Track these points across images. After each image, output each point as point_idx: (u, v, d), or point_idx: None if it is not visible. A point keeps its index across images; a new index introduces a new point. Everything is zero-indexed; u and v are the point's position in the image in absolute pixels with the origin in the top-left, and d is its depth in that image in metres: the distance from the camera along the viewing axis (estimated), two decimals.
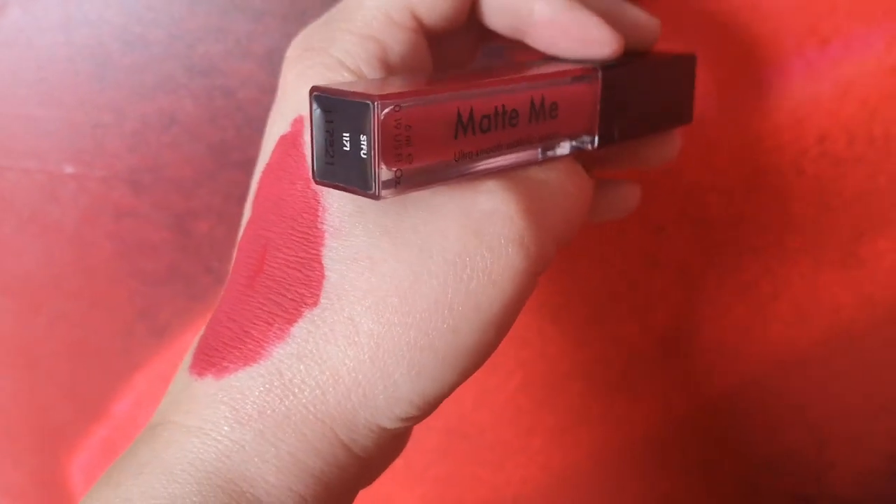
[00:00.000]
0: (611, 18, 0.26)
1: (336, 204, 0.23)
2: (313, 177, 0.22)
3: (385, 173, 0.20)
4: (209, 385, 0.23)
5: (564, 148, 0.25)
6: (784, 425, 0.39)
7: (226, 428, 0.22)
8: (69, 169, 0.37)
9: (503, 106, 0.23)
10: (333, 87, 0.21)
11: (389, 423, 0.23)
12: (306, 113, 0.23)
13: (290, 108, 0.24)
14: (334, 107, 0.20)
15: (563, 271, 0.37)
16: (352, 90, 0.20)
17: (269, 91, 0.35)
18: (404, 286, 0.22)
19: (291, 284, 0.23)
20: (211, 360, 0.23)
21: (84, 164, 0.37)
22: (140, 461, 0.22)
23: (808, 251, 0.36)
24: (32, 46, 0.35)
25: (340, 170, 0.21)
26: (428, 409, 0.23)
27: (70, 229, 0.39)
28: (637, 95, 0.27)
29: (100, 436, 0.43)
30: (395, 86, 0.21)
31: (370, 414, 0.22)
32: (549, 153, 0.25)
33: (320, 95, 0.21)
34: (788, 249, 0.36)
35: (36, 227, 0.39)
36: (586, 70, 0.25)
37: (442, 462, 0.42)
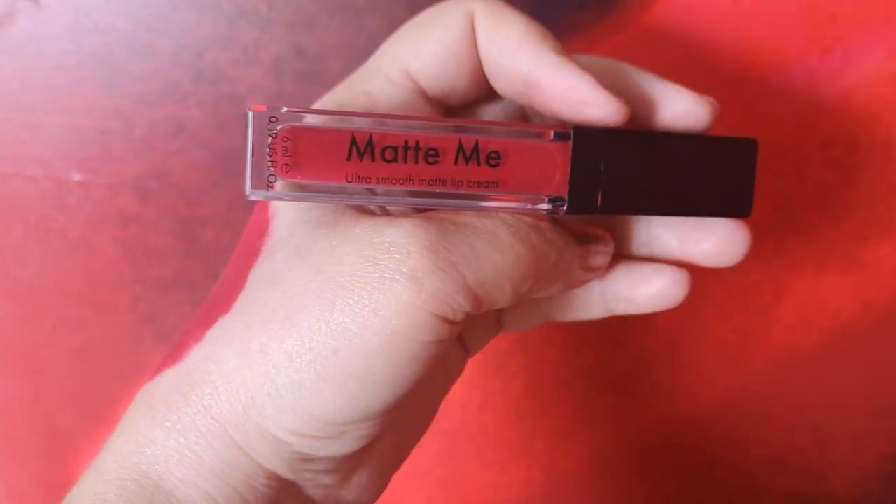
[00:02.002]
0: (642, 97, 0.26)
1: (278, 229, 0.25)
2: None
3: (255, 176, 0.22)
4: (144, 390, 0.25)
5: (542, 207, 0.25)
6: (786, 427, 0.40)
7: (141, 424, 0.24)
8: (76, 176, 0.38)
9: (416, 141, 0.23)
10: (261, 104, 0.23)
11: (283, 435, 0.23)
12: None
13: None
14: (254, 121, 0.23)
15: None
16: (255, 105, 0.23)
17: (275, 99, 0.35)
18: (294, 302, 0.23)
19: (223, 297, 0.25)
20: (158, 367, 0.25)
21: (91, 171, 0.37)
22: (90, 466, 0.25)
23: (810, 256, 0.36)
24: (41, 54, 0.36)
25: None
26: (331, 430, 0.23)
27: (76, 235, 0.39)
28: (636, 166, 0.25)
29: (106, 440, 0.43)
30: (303, 108, 0.23)
31: (259, 419, 0.23)
32: (529, 207, 0.24)
33: (251, 111, 0.23)
34: (791, 254, 0.36)
35: (42, 233, 0.39)
36: (554, 127, 0.24)
37: (447, 464, 0.42)
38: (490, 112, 0.28)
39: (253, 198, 0.23)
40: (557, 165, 0.24)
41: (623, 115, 0.24)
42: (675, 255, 0.29)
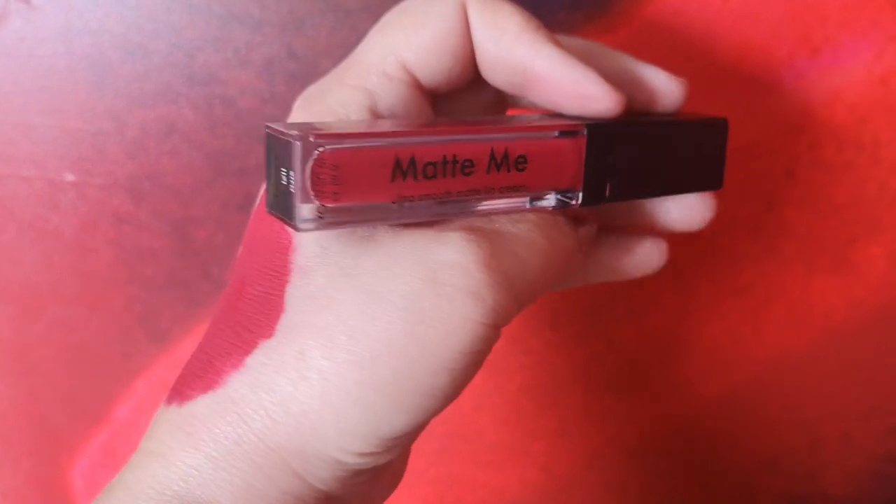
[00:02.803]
0: (622, 79, 0.26)
1: (304, 244, 0.24)
2: (268, 205, 0.22)
3: (307, 209, 0.21)
4: (173, 412, 0.24)
5: (550, 201, 0.25)
6: (778, 426, 0.40)
7: (181, 452, 0.23)
8: (69, 176, 0.38)
9: (454, 155, 0.23)
10: (278, 125, 0.22)
11: (345, 457, 0.23)
12: None
13: None
14: (274, 144, 0.22)
15: None
16: (286, 130, 0.21)
17: (267, 100, 0.36)
18: (354, 326, 0.22)
19: (254, 318, 0.24)
20: (179, 389, 0.24)
21: (84, 172, 0.38)
22: (110, 486, 0.24)
23: (800, 256, 0.36)
24: (33, 56, 0.36)
25: (281, 203, 0.22)
26: (390, 444, 0.23)
27: (70, 236, 0.39)
28: (637, 155, 0.27)
29: (100, 441, 0.43)
30: (339, 128, 0.22)
31: (322, 445, 0.23)
32: (536, 203, 0.25)
33: (267, 133, 0.22)
34: (781, 255, 0.36)
35: (36, 233, 0.39)
36: (570, 126, 0.25)
37: (442, 464, 0.42)
38: (471, 101, 0.28)
39: (304, 229, 0.21)
40: (571, 160, 0.25)
41: (622, 107, 0.25)
42: (649, 224, 0.30)
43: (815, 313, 0.37)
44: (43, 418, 0.43)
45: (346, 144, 0.21)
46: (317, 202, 0.21)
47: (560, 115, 0.26)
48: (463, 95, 0.27)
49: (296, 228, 0.21)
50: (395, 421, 0.23)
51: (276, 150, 0.22)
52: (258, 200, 0.26)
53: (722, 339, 0.38)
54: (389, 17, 0.26)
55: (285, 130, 0.21)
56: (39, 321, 0.41)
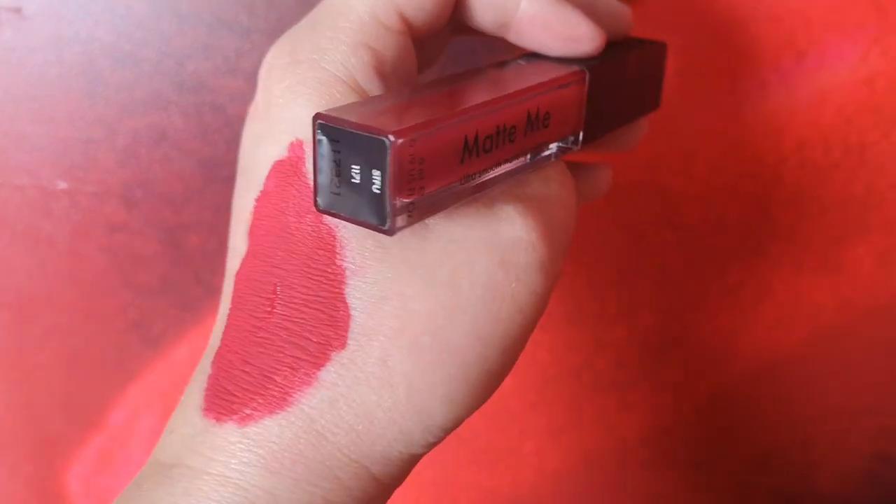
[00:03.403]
0: (588, 11, 0.25)
1: (355, 240, 0.22)
2: (316, 206, 0.21)
3: (399, 208, 0.19)
4: (230, 432, 0.22)
5: (551, 150, 0.25)
6: (769, 425, 0.40)
7: (255, 477, 0.21)
8: (62, 184, 0.38)
9: (504, 125, 0.22)
10: (340, 115, 0.20)
11: (422, 450, 0.23)
12: (306, 137, 0.22)
13: (284, 130, 0.23)
14: (343, 137, 0.19)
15: None
16: (363, 122, 0.19)
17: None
18: (437, 323, 0.22)
19: (314, 326, 0.22)
20: (230, 405, 0.22)
21: (76, 180, 0.38)
22: None
23: (788, 257, 0.36)
24: (24, 65, 0.36)
25: (347, 201, 0.20)
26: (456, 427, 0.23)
27: (63, 243, 0.39)
28: (617, 91, 0.27)
29: (95, 445, 0.43)
30: (401, 112, 0.21)
31: (405, 446, 0.22)
32: (538, 157, 0.24)
33: (327, 125, 0.20)
34: (770, 255, 0.36)
35: (29, 241, 0.39)
36: (574, 74, 0.25)
37: (435, 465, 0.42)
38: (433, 46, 0.27)
39: (396, 230, 0.20)
40: (577, 106, 0.25)
41: (604, 44, 0.25)
42: (598, 150, 0.31)
43: (803, 313, 0.37)
44: (39, 423, 0.43)
45: (429, 133, 0.20)
46: (405, 200, 0.20)
47: (535, 56, 0.26)
48: (430, 41, 0.27)
49: (389, 233, 0.20)
50: (472, 405, 0.23)
51: (348, 147, 0.19)
52: (254, 186, 0.23)
53: (712, 338, 0.38)
54: None
55: (359, 122, 0.19)
56: (34, 328, 0.41)
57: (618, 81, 0.27)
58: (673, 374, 0.39)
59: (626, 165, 0.35)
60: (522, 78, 0.24)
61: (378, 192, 0.19)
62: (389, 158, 0.19)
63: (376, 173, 0.19)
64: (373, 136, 0.19)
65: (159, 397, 0.42)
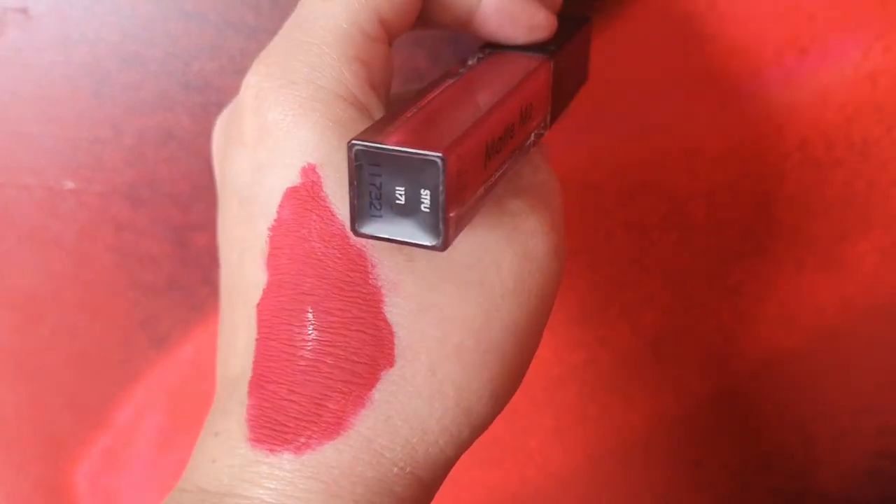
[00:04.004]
0: None
1: (386, 258, 0.22)
2: (354, 230, 0.20)
3: (451, 223, 0.20)
4: (287, 461, 0.22)
5: (531, 139, 0.25)
6: (772, 424, 0.40)
7: (317, 503, 0.21)
8: (68, 184, 0.38)
9: (509, 123, 0.23)
10: (376, 139, 0.19)
11: (467, 448, 0.23)
12: (319, 160, 0.22)
13: (292, 156, 0.22)
14: (385, 161, 0.19)
15: None
16: (407, 144, 0.19)
17: None
18: (476, 325, 0.22)
19: (359, 347, 0.22)
20: (282, 436, 0.22)
21: (83, 180, 0.38)
22: None
23: (791, 255, 0.36)
24: (30, 65, 0.36)
25: (390, 223, 0.20)
26: None
27: (70, 243, 0.39)
28: (569, 71, 0.28)
29: (102, 444, 0.44)
30: (426, 126, 0.21)
31: (454, 449, 0.23)
32: (525, 147, 0.25)
33: (366, 150, 0.19)
34: (772, 253, 0.37)
35: (36, 241, 0.40)
36: (543, 62, 0.25)
37: None
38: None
39: (446, 246, 0.20)
40: (544, 91, 0.26)
41: (555, 29, 0.26)
42: None
43: (806, 311, 0.37)
44: (46, 422, 0.44)
45: (466, 145, 0.20)
46: (451, 214, 0.20)
47: (495, 48, 0.27)
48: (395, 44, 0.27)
49: (441, 249, 0.20)
50: (512, 395, 0.24)
51: (390, 169, 0.19)
52: (265, 214, 0.23)
53: (714, 337, 0.38)
54: None
55: (407, 145, 0.19)
56: (41, 327, 0.42)
57: (569, 62, 0.28)
58: (676, 372, 0.39)
59: (629, 165, 0.35)
60: (503, 75, 0.25)
61: (428, 210, 0.19)
62: (443, 177, 0.19)
63: (425, 192, 0.19)
64: (422, 156, 0.19)
65: (166, 396, 0.42)
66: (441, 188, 0.19)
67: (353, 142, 0.19)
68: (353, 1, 0.23)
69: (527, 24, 0.26)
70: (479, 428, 0.23)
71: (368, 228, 0.20)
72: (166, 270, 0.40)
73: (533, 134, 0.25)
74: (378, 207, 0.20)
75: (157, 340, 0.41)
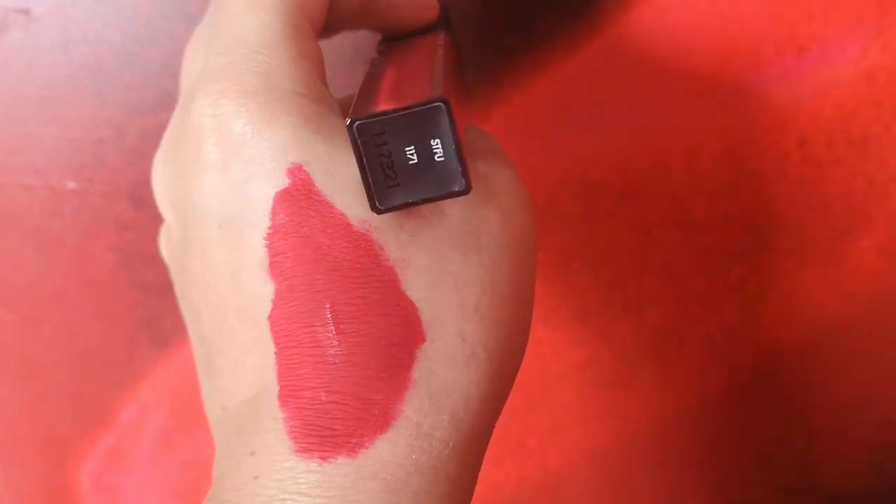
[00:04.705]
0: None
1: (391, 237, 0.22)
2: (375, 209, 0.20)
3: (466, 163, 0.20)
4: (342, 465, 0.21)
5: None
6: (774, 420, 0.40)
7: (378, 502, 0.21)
8: (71, 184, 0.38)
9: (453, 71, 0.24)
10: (374, 110, 0.20)
11: (500, 412, 0.24)
12: (303, 159, 0.22)
13: (273, 159, 0.22)
14: (389, 127, 0.20)
15: (553, 275, 0.38)
16: (408, 104, 0.20)
17: None
18: (487, 284, 0.22)
19: (387, 331, 0.22)
20: (332, 440, 0.21)
21: (85, 180, 0.38)
22: None
23: (792, 251, 0.37)
24: (32, 66, 0.36)
25: (408, 187, 0.20)
26: None
27: (73, 243, 0.40)
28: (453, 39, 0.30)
29: (106, 443, 0.44)
30: (405, 88, 0.21)
31: (493, 415, 0.23)
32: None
33: (368, 123, 0.20)
34: (773, 250, 0.37)
35: (39, 241, 0.40)
36: (440, 34, 0.27)
37: None
38: None
39: (469, 190, 0.20)
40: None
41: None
42: None
43: (807, 307, 0.38)
44: (49, 422, 0.44)
45: (448, 87, 0.20)
46: (464, 153, 0.20)
47: (391, 40, 0.28)
48: None
49: (464, 192, 0.20)
50: (525, 346, 0.25)
51: (396, 133, 0.20)
52: (258, 224, 0.22)
53: (716, 334, 0.39)
54: None
55: (401, 106, 0.19)
56: (44, 327, 0.42)
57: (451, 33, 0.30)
58: (677, 370, 0.40)
59: (630, 163, 0.36)
60: (420, 49, 0.25)
61: (442, 158, 0.20)
62: (451, 119, 0.19)
63: (435, 142, 0.19)
64: (426, 107, 0.19)
65: (168, 395, 0.42)
66: (452, 131, 0.19)
67: (353, 120, 0.20)
68: (278, 3, 0.23)
69: (423, 5, 0.27)
70: (508, 386, 0.24)
71: (390, 201, 0.20)
72: (168, 270, 0.40)
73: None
74: (393, 177, 0.20)
75: (160, 340, 0.41)
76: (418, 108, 0.19)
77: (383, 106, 0.20)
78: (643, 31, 0.33)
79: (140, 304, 0.41)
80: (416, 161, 0.20)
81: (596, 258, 0.38)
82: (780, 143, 0.35)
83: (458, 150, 0.20)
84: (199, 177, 0.23)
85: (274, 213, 0.22)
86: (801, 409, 0.40)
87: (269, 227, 0.22)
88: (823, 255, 0.36)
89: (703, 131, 0.35)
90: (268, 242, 0.22)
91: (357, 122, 0.20)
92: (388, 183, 0.20)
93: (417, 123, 0.19)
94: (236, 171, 0.22)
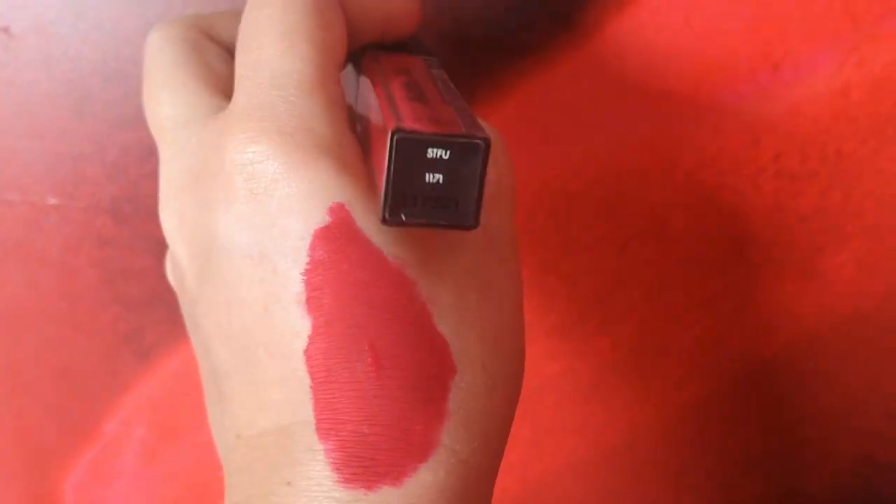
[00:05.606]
0: None
1: (422, 275, 0.23)
2: (384, 219, 0.21)
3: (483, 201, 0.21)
4: (388, 494, 0.22)
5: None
6: (754, 432, 0.40)
7: None
8: (52, 200, 0.38)
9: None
10: (413, 127, 0.20)
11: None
12: (345, 198, 0.22)
13: (315, 197, 0.22)
14: (426, 148, 0.20)
15: (531, 288, 0.38)
16: (448, 132, 0.20)
17: None
18: (497, 317, 0.24)
19: (423, 364, 0.22)
20: (375, 469, 0.22)
21: (66, 195, 0.38)
22: None
23: (769, 265, 0.37)
24: (13, 83, 0.36)
25: (423, 209, 0.20)
26: None
27: (54, 258, 0.40)
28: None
29: (89, 456, 0.44)
30: (440, 106, 0.22)
31: (506, 434, 0.24)
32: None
33: (410, 138, 0.20)
34: (750, 264, 0.37)
35: (21, 256, 0.40)
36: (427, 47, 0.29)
37: None
38: None
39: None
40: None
41: None
42: None
43: (785, 320, 0.38)
44: (33, 435, 0.44)
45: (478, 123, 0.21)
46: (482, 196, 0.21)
47: (384, 49, 0.28)
48: None
49: (472, 227, 0.21)
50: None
51: (434, 153, 0.20)
52: (295, 260, 0.22)
53: (694, 348, 0.39)
54: (286, 19, 0.24)
55: (443, 132, 0.20)
56: (27, 342, 0.42)
57: None
58: (656, 383, 0.40)
59: (608, 176, 0.36)
60: (418, 65, 0.26)
61: (464, 191, 0.20)
62: (484, 158, 0.20)
63: (463, 175, 0.20)
64: (471, 142, 0.20)
65: (151, 408, 0.42)
66: (483, 169, 0.20)
67: (396, 130, 0.20)
68: (314, 48, 0.23)
69: (416, 16, 0.29)
70: (516, 407, 0.25)
71: (401, 217, 0.20)
72: (150, 284, 0.40)
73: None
74: (412, 196, 0.20)
75: (142, 353, 0.41)
76: (463, 141, 0.20)
77: (419, 126, 0.20)
78: (619, 47, 0.34)
79: (122, 318, 0.41)
80: (437, 186, 0.20)
81: (573, 270, 0.38)
82: (755, 158, 0.35)
83: (481, 188, 0.20)
84: (229, 211, 0.23)
85: (313, 248, 0.22)
86: (781, 420, 0.40)
87: (308, 263, 0.22)
88: (800, 269, 0.37)
89: (679, 146, 0.35)
90: (306, 278, 0.22)
91: (399, 135, 0.20)
92: (405, 200, 0.20)
93: (454, 153, 0.20)
94: (273, 207, 0.22)
